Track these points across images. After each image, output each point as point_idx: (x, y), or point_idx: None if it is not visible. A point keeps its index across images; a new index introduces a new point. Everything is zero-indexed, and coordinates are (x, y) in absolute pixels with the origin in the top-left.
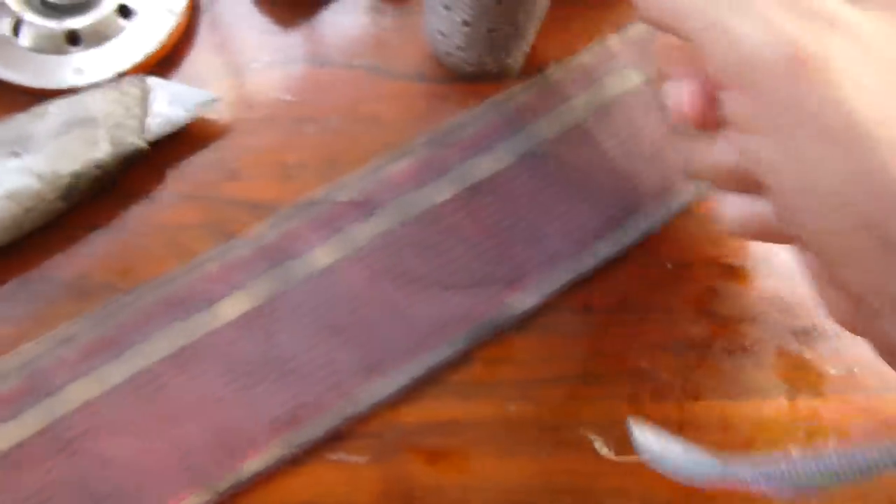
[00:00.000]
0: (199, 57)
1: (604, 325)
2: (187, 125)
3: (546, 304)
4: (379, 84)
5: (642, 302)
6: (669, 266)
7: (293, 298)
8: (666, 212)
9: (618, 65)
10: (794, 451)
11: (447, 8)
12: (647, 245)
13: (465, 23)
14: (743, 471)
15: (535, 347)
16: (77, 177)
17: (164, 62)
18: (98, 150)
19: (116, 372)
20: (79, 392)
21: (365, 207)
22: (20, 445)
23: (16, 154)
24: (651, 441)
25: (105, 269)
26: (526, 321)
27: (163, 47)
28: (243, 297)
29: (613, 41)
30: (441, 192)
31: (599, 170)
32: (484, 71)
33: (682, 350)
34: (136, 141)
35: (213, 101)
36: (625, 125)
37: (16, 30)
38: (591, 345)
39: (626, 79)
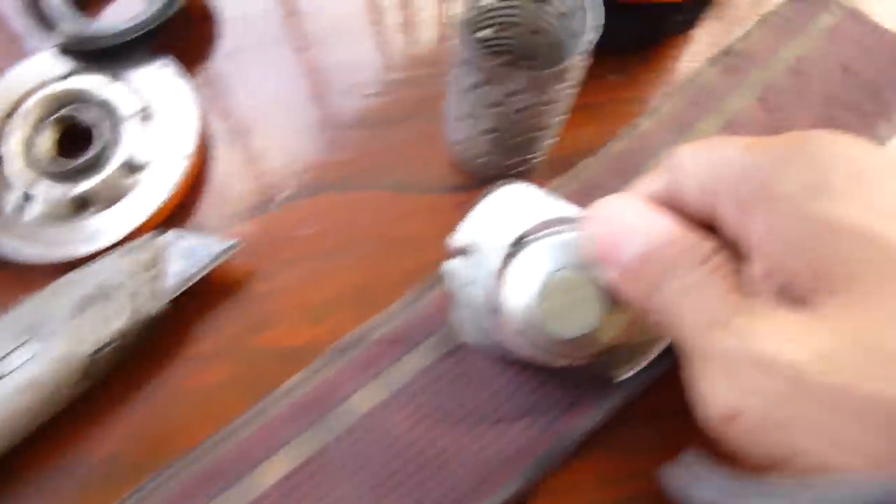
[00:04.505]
0: (213, 200)
1: (675, 431)
2: (208, 277)
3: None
4: (406, 201)
5: None
6: None
7: (340, 452)
8: None
9: (653, 147)
10: None
11: (470, 117)
12: None
13: (488, 131)
14: None
15: (602, 469)
16: (97, 354)
17: (180, 211)
18: (116, 321)
19: None
20: None
21: (400, 345)
22: None
23: (28, 343)
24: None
25: (135, 446)
26: (587, 443)
27: (175, 196)
28: (283, 459)
29: (645, 124)
30: None
31: None
32: (511, 171)
33: None
34: (150, 308)
35: (231, 247)
36: None
37: (23, 204)
38: (664, 456)
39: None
